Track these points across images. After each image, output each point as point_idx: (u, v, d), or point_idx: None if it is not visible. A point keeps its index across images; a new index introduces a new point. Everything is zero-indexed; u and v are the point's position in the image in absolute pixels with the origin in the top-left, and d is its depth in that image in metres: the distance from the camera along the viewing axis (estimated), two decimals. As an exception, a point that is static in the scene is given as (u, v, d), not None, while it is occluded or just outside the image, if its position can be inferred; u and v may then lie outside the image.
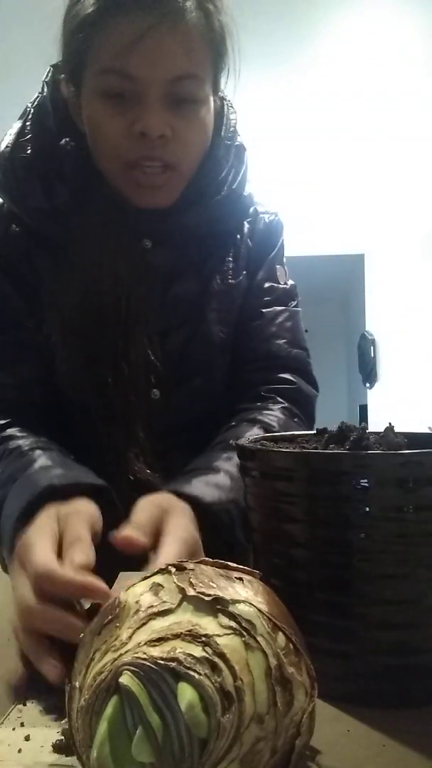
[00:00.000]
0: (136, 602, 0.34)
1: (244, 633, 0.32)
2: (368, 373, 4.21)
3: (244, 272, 0.84)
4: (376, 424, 0.52)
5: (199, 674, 0.29)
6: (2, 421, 0.75)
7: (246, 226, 0.86)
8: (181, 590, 0.34)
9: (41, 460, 0.65)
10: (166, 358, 0.78)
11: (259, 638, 0.32)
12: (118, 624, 0.33)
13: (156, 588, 0.34)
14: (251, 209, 0.87)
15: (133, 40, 0.65)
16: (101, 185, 0.75)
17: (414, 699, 0.43)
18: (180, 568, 0.36)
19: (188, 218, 0.78)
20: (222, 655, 0.30)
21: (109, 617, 0.34)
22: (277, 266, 0.88)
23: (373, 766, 0.36)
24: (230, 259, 0.83)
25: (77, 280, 0.75)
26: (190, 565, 0.36)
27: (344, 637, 0.43)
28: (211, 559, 0.37)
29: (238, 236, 0.85)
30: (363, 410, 4.48)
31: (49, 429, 0.75)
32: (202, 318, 0.80)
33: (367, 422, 4.13)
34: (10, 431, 0.73)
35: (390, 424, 0.49)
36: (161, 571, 0.36)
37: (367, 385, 4.29)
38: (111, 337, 0.75)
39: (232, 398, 0.83)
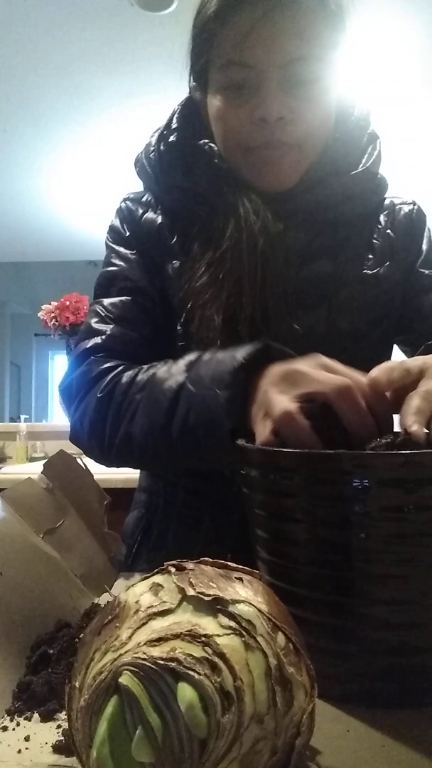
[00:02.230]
0: (136, 602, 0.34)
1: (244, 633, 0.32)
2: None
3: (387, 264, 0.83)
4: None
5: (199, 674, 0.29)
6: (119, 364, 0.76)
7: (383, 218, 0.85)
8: (181, 590, 0.33)
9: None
10: (295, 339, 0.78)
11: (258, 638, 0.32)
12: (117, 624, 0.33)
13: (156, 588, 0.34)
14: (387, 201, 0.87)
15: (249, 30, 0.67)
16: (233, 178, 0.78)
17: (414, 699, 0.43)
18: (180, 568, 0.36)
19: (318, 196, 0.78)
20: (222, 655, 0.30)
21: (109, 617, 0.34)
22: None
23: (372, 765, 0.36)
24: (367, 249, 0.83)
25: (215, 252, 0.77)
26: (190, 565, 0.36)
27: (344, 637, 0.43)
28: (211, 559, 0.37)
29: (378, 227, 0.84)
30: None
31: None
32: (331, 303, 0.79)
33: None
34: (130, 371, 0.74)
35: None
36: (161, 571, 0.36)
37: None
38: (248, 309, 0.76)
39: None
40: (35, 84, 3.30)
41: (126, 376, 0.72)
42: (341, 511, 0.42)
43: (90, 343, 0.79)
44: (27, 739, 0.39)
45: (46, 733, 0.39)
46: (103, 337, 0.79)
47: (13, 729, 0.40)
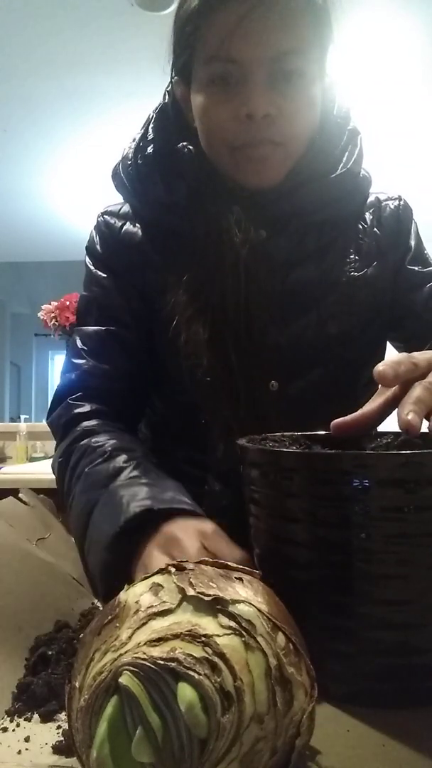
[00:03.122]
0: (136, 602, 0.34)
1: (244, 633, 0.32)
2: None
3: (375, 264, 0.82)
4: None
5: (199, 674, 0.29)
6: (89, 407, 0.78)
7: (369, 216, 0.84)
8: (181, 590, 0.33)
9: (127, 469, 0.66)
10: (284, 348, 0.78)
11: (258, 638, 0.32)
12: (117, 624, 0.33)
13: (156, 588, 0.34)
14: (372, 198, 0.86)
15: (234, 25, 0.66)
16: (216, 182, 0.77)
17: (414, 699, 0.43)
18: (180, 568, 0.36)
19: (301, 199, 0.77)
20: (222, 655, 0.30)
21: (109, 617, 0.34)
22: (424, 251, 0.87)
23: (372, 765, 0.36)
24: (353, 250, 0.82)
25: (198, 266, 0.77)
26: (190, 565, 0.36)
27: (344, 637, 0.43)
28: (211, 559, 0.37)
29: (361, 226, 0.83)
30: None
31: (133, 421, 0.82)
32: (320, 309, 0.79)
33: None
34: (93, 424, 0.76)
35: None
36: (161, 571, 0.36)
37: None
38: (233, 323, 0.76)
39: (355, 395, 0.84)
40: (35, 84, 3.31)
41: (78, 449, 0.73)
42: (341, 511, 0.42)
43: (65, 379, 0.82)
44: (27, 739, 0.39)
45: (46, 733, 0.39)
46: (78, 372, 0.81)
47: (13, 730, 0.40)
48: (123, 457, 0.67)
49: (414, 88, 3.33)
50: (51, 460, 0.82)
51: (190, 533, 0.54)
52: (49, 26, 2.81)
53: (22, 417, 3.85)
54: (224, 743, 0.29)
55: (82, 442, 0.73)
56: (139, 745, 0.29)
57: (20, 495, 0.71)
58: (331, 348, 0.79)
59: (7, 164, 4.37)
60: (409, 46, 2.96)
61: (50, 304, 3.00)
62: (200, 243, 0.77)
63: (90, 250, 0.87)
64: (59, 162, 4.32)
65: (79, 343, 0.83)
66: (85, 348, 0.82)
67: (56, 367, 8.65)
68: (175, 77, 0.79)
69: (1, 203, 5.10)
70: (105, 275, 0.84)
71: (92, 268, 0.86)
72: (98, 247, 0.86)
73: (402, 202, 0.87)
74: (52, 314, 2.97)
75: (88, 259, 0.87)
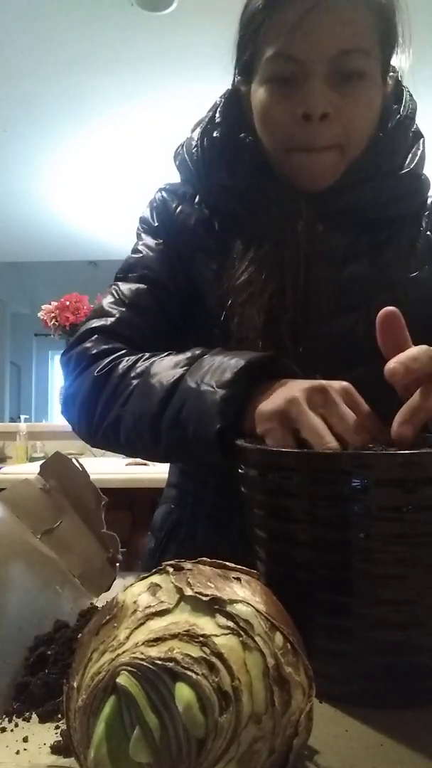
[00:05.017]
0: (134, 602, 0.34)
1: (242, 633, 0.32)
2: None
3: (427, 267, 0.81)
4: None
5: (197, 674, 0.29)
6: (126, 349, 0.76)
7: (426, 220, 0.84)
8: (179, 590, 0.33)
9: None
10: (333, 341, 0.77)
11: (256, 638, 0.32)
12: (115, 624, 0.33)
13: (154, 588, 0.34)
14: (429, 202, 0.85)
15: (295, 23, 0.66)
16: (273, 174, 0.78)
17: (413, 699, 0.43)
18: (177, 568, 0.36)
19: (359, 197, 0.77)
20: (220, 655, 0.30)
21: (107, 617, 0.34)
22: None
23: (371, 765, 0.36)
24: (408, 251, 0.81)
25: (256, 251, 0.77)
26: (188, 565, 0.36)
27: (343, 637, 0.43)
28: (209, 559, 0.37)
29: (419, 228, 0.83)
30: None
31: None
32: (370, 306, 0.77)
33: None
34: (135, 353, 0.74)
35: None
36: (159, 571, 0.36)
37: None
38: (290, 310, 0.75)
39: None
40: (35, 84, 3.31)
41: (126, 360, 0.72)
42: (340, 511, 0.42)
43: (98, 322, 0.80)
44: (25, 740, 0.39)
45: (44, 733, 0.39)
46: (112, 319, 0.80)
47: (12, 730, 0.40)
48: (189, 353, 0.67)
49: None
50: None
51: (335, 389, 0.55)
52: (49, 26, 2.81)
53: (22, 417, 3.85)
54: (222, 743, 0.29)
55: (128, 357, 0.72)
56: (137, 745, 0.29)
57: (39, 473, 0.68)
58: (378, 346, 0.79)
59: (7, 164, 4.37)
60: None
61: (50, 304, 3.00)
62: (260, 229, 0.77)
63: (144, 220, 0.88)
64: (59, 162, 4.32)
65: (117, 293, 0.82)
66: (124, 299, 0.81)
67: (56, 367, 8.65)
68: (239, 76, 0.79)
69: (1, 203, 5.10)
70: (156, 242, 0.84)
71: (143, 234, 0.86)
72: (152, 219, 0.86)
73: None
74: (52, 314, 2.97)
75: (140, 227, 0.88)
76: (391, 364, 0.49)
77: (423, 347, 0.50)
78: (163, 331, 0.81)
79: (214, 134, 0.80)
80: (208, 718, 0.29)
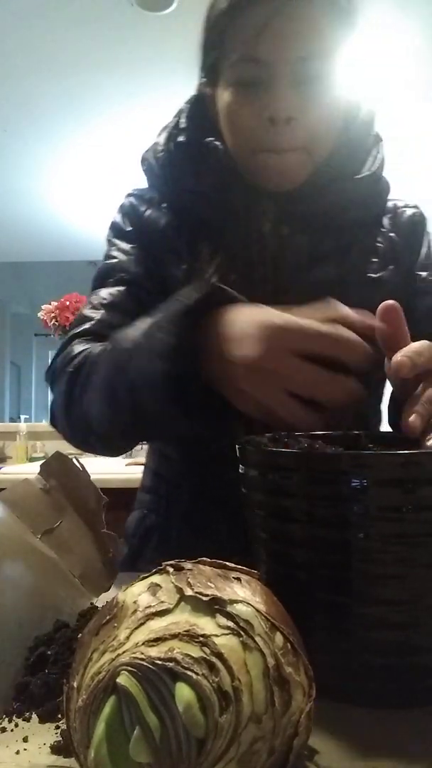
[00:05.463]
0: (134, 602, 0.34)
1: (242, 633, 0.32)
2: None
3: (390, 267, 0.83)
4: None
5: (197, 674, 0.29)
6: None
7: (386, 221, 0.85)
8: (179, 590, 0.33)
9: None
10: None
11: (257, 638, 0.32)
12: (116, 624, 0.33)
13: (154, 588, 0.34)
14: (390, 204, 0.87)
15: (260, 26, 0.66)
16: (240, 177, 0.78)
17: (412, 699, 0.43)
18: (178, 568, 0.36)
19: (324, 200, 0.78)
20: (220, 655, 0.30)
21: (107, 617, 0.34)
22: None
23: (371, 766, 0.36)
24: (371, 252, 0.82)
25: (224, 256, 0.77)
26: (188, 565, 0.36)
27: (343, 636, 0.43)
28: (209, 559, 0.37)
29: (382, 230, 0.84)
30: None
31: None
32: None
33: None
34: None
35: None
36: (159, 571, 0.36)
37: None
38: None
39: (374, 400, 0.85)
40: (35, 84, 3.31)
41: (97, 347, 0.71)
42: (340, 511, 0.42)
43: (79, 328, 0.80)
44: (25, 740, 0.39)
45: (44, 733, 0.39)
46: (92, 322, 0.80)
47: (12, 730, 0.40)
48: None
49: (412, 90, 3.33)
50: None
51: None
52: (49, 26, 2.81)
53: (22, 417, 3.85)
54: (222, 743, 0.29)
55: (98, 348, 0.71)
56: (137, 745, 0.29)
57: (39, 473, 0.68)
58: None
59: (7, 164, 4.37)
60: (408, 47, 2.96)
61: (50, 304, 3.00)
62: (228, 233, 0.78)
63: (115, 225, 0.88)
64: (59, 162, 4.32)
65: (95, 300, 0.82)
66: (103, 301, 0.81)
67: (56, 367, 8.63)
68: (203, 79, 0.79)
69: (1, 203, 5.10)
70: (130, 245, 0.85)
71: (115, 239, 0.87)
72: (123, 224, 0.87)
73: (418, 211, 0.89)
74: (52, 314, 2.97)
75: (111, 233, 0.88)
76: (398, 357, 0.49)
77: (425, 342, 0.50)
78: None
79: (180, 139, 0.81)
80: (208, 718, 0.29)
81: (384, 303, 0.54)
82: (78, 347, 0.77)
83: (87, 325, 0.79)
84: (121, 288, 0.82)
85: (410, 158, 4.02)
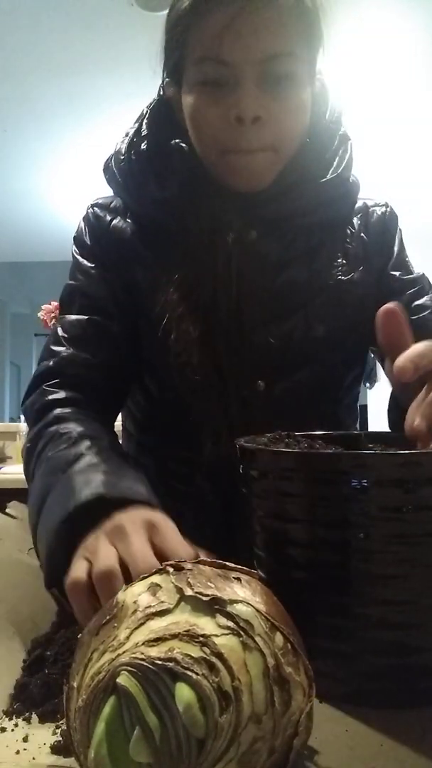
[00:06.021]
0: (134, 602, 0.34)
1: (242, 633, 0.32)
2: (368, 373, 4.19)
3: (361, 268, 0.82)
4: (376, 424, 0.52)
5: (197, 674, 0.29)
6: (64, 394, 0.76)
7: (357, 221, 0.85)
8: (179, 590, 0.33)
9: (88, 456, 0.63)
10: (272, 348, 0.78)
11: (257, 638, 0.32)
12: (116, 624, 0.33)
13: (154, 588, 0.34)
14: (360, 204, 0.86)
15: (224, 26, 0.66)
16: (207, 180, 0.77)
17: (412, 699, 0.43)
18: (178, 568, 0.36)
19: (292, 202, 0.77)
20: (220, 655, 0.30)
21: (107, 617, 0.34)
22: (406, 258, 0.87)
23: (370, 765, 0.36)
24: (340, 254, 0.82)
25: (189, 264, 0.77)
26: (188, 565, 0.36)
27: (343, 636, 0.43)
28: (209, 559, 0.37)
29: (349, 231, 0.84)
30: (363, 411, 4.48)
31: (110, 414, 0.81)
32: (307, 310, 0.79)
33: (367, 423, 4.13)
34: (66, 411, 0.73)
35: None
36: (159, 572, 0.36)
37: (367, 385, 4.28)
38: (224, 322, 0.76)
39: (343, 399, 0.85)
40: (35, 84, 3.30)
41: (46, 435, 0.70)
42: (340, 511, 0.42)
43: (43, 366, 0.80)
44: (25, 739, 0.39)
45: (44, 733, 0.39)
46: (56, 359, 0.79)
47: (12, 730, 0.40)
48: (86, 444, 0.65)
49: (409, 90, 3.32)
50: None
51: (138, 525, 0.50)
52: (49, 26, 2.81)
53: (22, 417, 3.84)
54: (222, 743, 0.29)
55: (51, 429, 0.71)
56: (137, 745, 0.29)
57: (8, 510, 0.71)
58: (318, 349, 0.80)
59: (7, 164, 4.37)
60: (406, 48, 2.95)
61: (50, 304, 3.00)
62: (192, 241, 0.77)
63: (78, 240, 0.86)
64: (59, 162, 4.32)
65: (60, 331, 0.81)
66: (66, 335, 0.80)
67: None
68: (167, 78, 0.78)
69: (1, 203, 5.10)
70: (92, 265, 0.83)
71: (79, 258, 0.85)
72: (86, 238, 0.85)
73: (389, 209, 0.88)
74: (52, 314, 2.97)
75: (75, 248, 0.86)
76: (400, 362, 0.48)
77: (428, 343, 0.50)
78: (109, 358, 0.81)
79: (142, 147, 0.79)
80: (208, 718, 0.29)
81: (385, 306, 0.54)
82: (43, 398, 0.76)
83: (50, 363, 0.79)
84: (83, 317, 0.81)
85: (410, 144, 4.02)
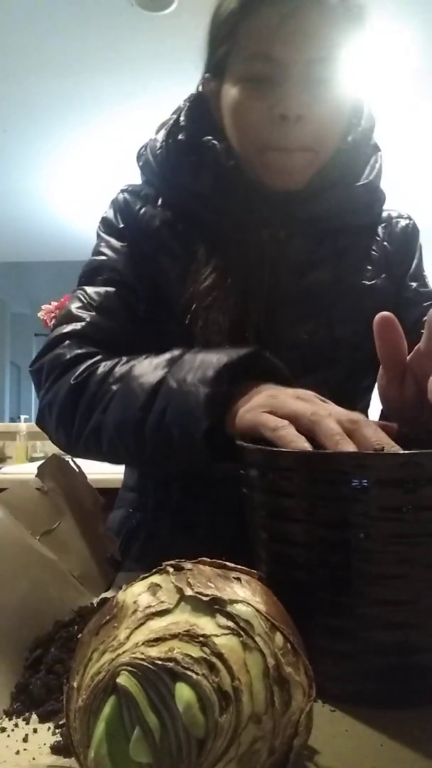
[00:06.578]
0: (134, 602, 0.34)
1: (242, 633, 0.32)
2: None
3: (383, 276, 0.84)
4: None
5: (197, 674, 0.29)
6: (99, 354, 0.74)
7: (381, 230, 0.87)
8: (179, 590, 0.33)
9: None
10: (296, 346, 0.79)
11: (257, 638, 0.32)
12: (116, 624, 0.33)
13: (154, 588, 0.34)
14: (385, 214, 0.88)
15: (276, 25, 0.67)
16: (240, 177, 0.78)
17: (412, 699, 0.43)
18: (178, 568, 0.36)
19: (322, 204, 0.78)
20: (220, 655, 0.30)
21: (107, 617, 0.34)
22: (423, 272, 0.89)
23: (371, 766, 0.36)
24: (365, 259, 0.83)
25: (221, 257, 0.78)
26: (188, 565, 0.36)
27: (343, 636, 0.43)
28: (209, 559, 0.37)
29: (376, 238, 0.85)
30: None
31: None
32: (331, 312, 0.80)
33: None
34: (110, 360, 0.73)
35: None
36: (159, 571, 0.36)
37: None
38: (254, 317, 0.76)
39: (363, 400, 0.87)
40: (35, 84, 3.30)
41: (103, 366, 0.70)
42: (340, 511, 0.42)
43: (68, 327, 0.78)
44: (25, 739, 0.39)
45: (44, 733, 0.39)
46: (83, 323, 0.78)
47: (12, 730, 0.40)
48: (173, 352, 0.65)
49: (408, 98, 3.33)
50: None
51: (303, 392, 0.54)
52: (49, 26, 2.81)
53: (22, 417, 3.85)
54: (222, 743, 0.29)
55: (107, 362, 0.70)
56: (137, 745, 0.29)
57: (33, 479, 0.68)
58: (338, 351, 0.80)
59: (7, 164, 4.37)
60: (405, 48, 2.96)
61: (50, 304, 3.00)
62: (225, 235, 0.78)
63: (106, 220, 0.87)
64: (59, 162, 4.32)
65: (84, 297, 0.80)
66: (93, 303, 0.80)
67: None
68: (207, 74, 0.79)
69: (1, 203, 5.10)
70: (123, 244, 0.84)
71: (105, 236, 0.85)
72: (116, 220, 0.85)
73: (411, 222, 0.90)
74: (52, 314, 2.96)
75: (101, 228, 0.87)
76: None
77: None
78: (134, 333, 0.80)
79: (180, 137, 0.80)
80: (209, 718, 0.29)
81: (379, 315, 0.54)
82: (71, 351, 0.75)
83: (77, 326, 0.78)
84: (110, 289, 0.81)
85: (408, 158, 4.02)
